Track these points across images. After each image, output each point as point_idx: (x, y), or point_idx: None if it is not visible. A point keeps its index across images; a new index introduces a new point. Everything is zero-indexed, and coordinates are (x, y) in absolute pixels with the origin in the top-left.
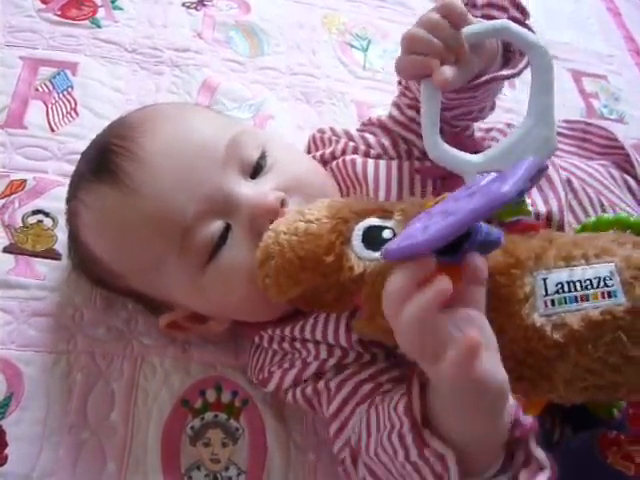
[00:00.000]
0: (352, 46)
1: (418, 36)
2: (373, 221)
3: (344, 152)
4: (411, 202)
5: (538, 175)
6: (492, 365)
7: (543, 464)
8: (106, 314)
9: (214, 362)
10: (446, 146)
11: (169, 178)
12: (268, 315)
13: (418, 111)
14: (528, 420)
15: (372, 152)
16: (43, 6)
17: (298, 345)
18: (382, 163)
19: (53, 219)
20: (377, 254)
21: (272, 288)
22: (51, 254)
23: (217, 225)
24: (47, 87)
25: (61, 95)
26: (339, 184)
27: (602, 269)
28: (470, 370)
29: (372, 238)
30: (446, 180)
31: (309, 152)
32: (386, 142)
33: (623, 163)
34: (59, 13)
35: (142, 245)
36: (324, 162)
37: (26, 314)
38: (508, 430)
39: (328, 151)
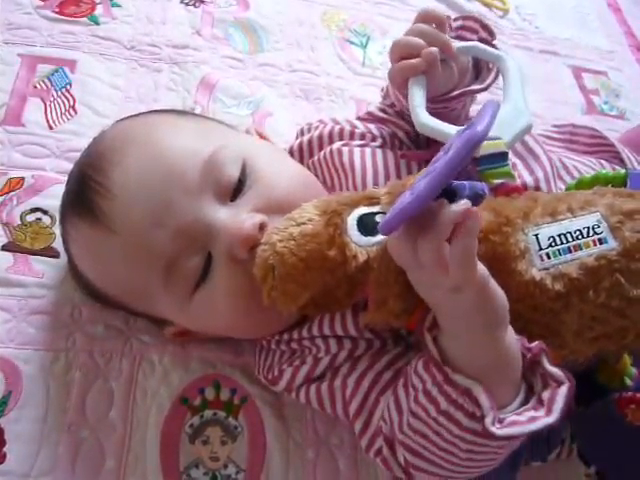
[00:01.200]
0: (351, 43)
1: (404, 40)
2: (363, 210)
3: (331, 134)
4: (394, 183)
5: (524, 131)
6: (490, 283)
7: (560, 379)
8: (105, 312)
9: (213, 360)
10: (431, 117)
11: (145, 215)
12: (266, 332)
13: (398, 110)
14: (535, 344)
15: (357, 131)
16: (41, 3)
17: (307, 343)
18: (368, 151)
19: (51, 217)
20: (376, 239)
21: (280, 299)
22: (49, 252)
23: (198, 257)
24: (45, 84)
25: (59, 92)
26: (325, 175)
27: (590, 218)
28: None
29: (367, 225)
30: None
31: (296, 138)
32: (371, 125)
33: (611, 159)
34: (57, 10)
35: (127, 280)
36: (311, 149)
37: (25, 312)
38: (521, 357)
39: (315, 134)
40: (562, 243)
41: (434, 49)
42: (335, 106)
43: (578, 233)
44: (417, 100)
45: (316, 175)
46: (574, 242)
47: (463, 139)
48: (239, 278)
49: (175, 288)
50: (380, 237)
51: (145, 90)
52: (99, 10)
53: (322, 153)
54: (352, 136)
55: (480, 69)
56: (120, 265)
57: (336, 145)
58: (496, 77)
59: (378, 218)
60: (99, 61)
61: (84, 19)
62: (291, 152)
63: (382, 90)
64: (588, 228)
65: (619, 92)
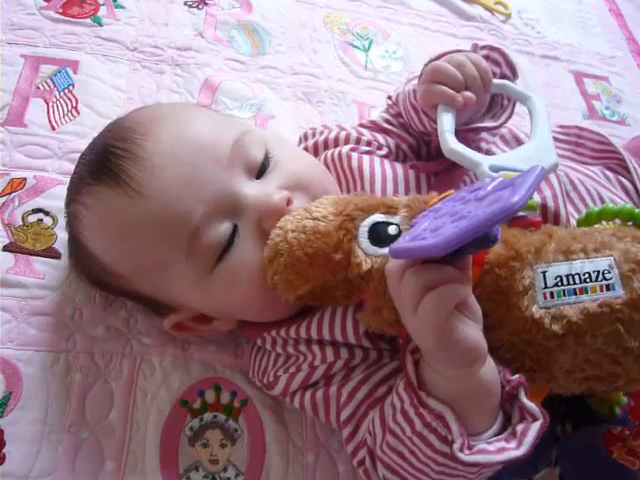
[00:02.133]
0: (354, 46)
1: (447, 70)
2: (378, 217)
3: (337, 139)
4: (415, 198)
5: (550, 169)
6: (468, 327)
7: (536, 415)
8: (105, 313)
9: (213, 362)
10: (459, 144)
11: (174, 180)
12: (274, 315)
13: (403, 121)
14: (516, 377)
15: (363, 139)
16: (45, 4)
17: (303, 348)
18: (377, 159)
19: (53, 218)
20: (383, 250)
21: (281, 285)
22: (51, 253)
23: (225, 226)
24: (48, 85)
25: (62, 93)
26: (333, 175)
27: (601, 262)
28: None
29: (378, 234)
30: (439, 175)
31: (299, 144)
32: (377, 134)
33: (617, 167)
34: (61, 11)
35: (147, 248)
36: (316, 150)
37: (25, 313)
38: (499, 390)
39: (321, 139)
40: (569, 284)
41: (473, 96)
42: (337, 109)
43: (587, 276)
44: (447, 125)
45: None
46: (581, 285)
47: (499, 206)
48: (264, 249)
49: (197, 259)
50: (386, 250)
51: (147, 92)
52: (103, 11)
53: (330, 153)
54: (358, 142)
55: (494, 102)
56: (143, 231)
57: (345, 149)
58: (510, 116)
59: (391, 230)
60: (102, 62)
61: (87, 20)
62: None
63: (389, 98)
64: (598, 272)
65: (620, 98)
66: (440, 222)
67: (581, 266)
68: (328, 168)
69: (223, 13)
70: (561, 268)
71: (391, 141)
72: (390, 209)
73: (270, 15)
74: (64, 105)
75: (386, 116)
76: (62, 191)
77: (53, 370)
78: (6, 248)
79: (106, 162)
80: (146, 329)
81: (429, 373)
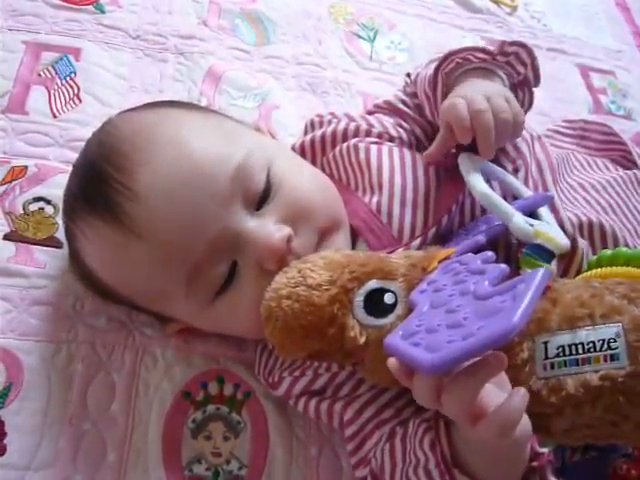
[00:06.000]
0: (359, 36)
1: (456, 116)
2: (374, 284)
3: (345, 131)
4: (412, 263)
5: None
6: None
7: None
8: (107, 304)
9: (216, 354)
10: (490, 190)
11: (173, 221)
12: None
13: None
14: (546, 452)
15: (373, 130)
16: None
17: None
18: (385, 149)
19: (54, 207)
20: (379, 321)
21: (277, 347)
22: (52, 242)
23: (223, 266)
24: (50, 72)
25: (64, 81)
26: (341, 173)
27: (608, 330)
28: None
29: (374, 303)
30: (449, 172)
31: (305, 134)
32: (388, 122)
33: (621, 159)
34: None
35: (146, 284)
36: (323, 146)
37: (26, 303)
38: (525, 463)
39: (329, 130)
40: (571, 354)
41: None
42: (342, 100)
43: (591, 345)
44: (471, 174)
45: (331, 174)
46: (584, 355)
47: (496, 331)
48: (265, 287)
49: (196, 294)
50: (382, 321)
51: (151, 80)
52: None
53: (337, 150)
54: (368, 135)
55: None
56: (141, 270)
57: (352, 141)
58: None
59: (387, 299)
60: (104, 50)
61: (90, 7)
62: (302, 147)
63: (408, 76)
64: (603, 341)
65: (626, 92)
66: (436, 321)
67: (586, 335)
68: (336, 164)
69: (227, 1)
70: (564, 338)
71: (405, 127)
72: (387, 275)
73: (274, 4)
74: (66, 93)
75: (402, 96)
76: (64, 180)
77: (54, 361)
78: (7, 237)
79: (103, 195)
80: (148, 320)
81: (465, 452)
